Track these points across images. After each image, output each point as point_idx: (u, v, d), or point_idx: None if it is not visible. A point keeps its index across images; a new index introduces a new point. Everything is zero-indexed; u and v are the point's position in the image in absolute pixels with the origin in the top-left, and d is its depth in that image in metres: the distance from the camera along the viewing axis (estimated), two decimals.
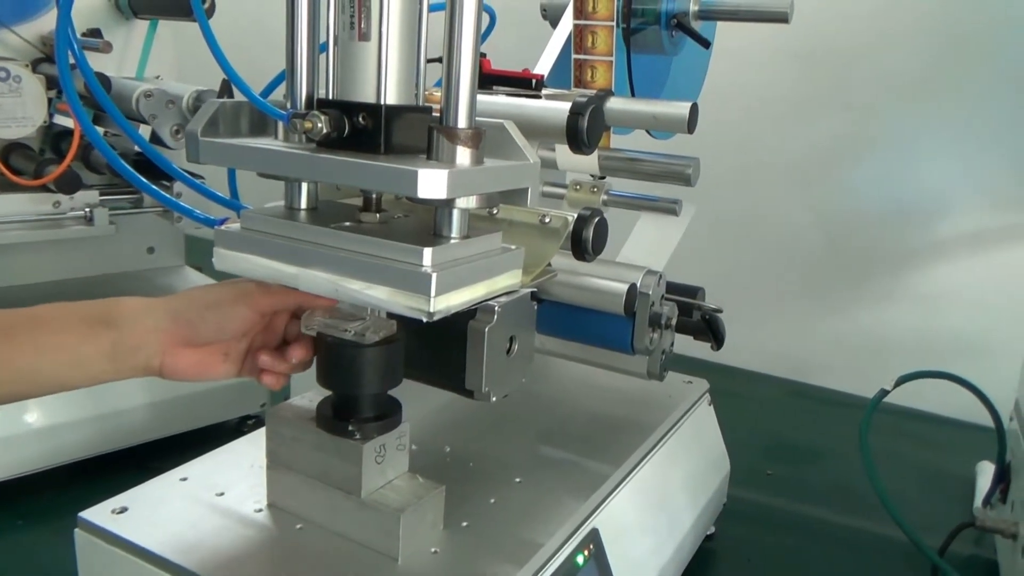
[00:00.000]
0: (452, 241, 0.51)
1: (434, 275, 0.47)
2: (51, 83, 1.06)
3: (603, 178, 0.95)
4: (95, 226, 1.12)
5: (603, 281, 0.77)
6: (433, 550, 0.62)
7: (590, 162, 0.89)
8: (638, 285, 0.78)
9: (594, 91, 0.89)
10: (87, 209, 1.12)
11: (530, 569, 0.62)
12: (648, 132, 0.92)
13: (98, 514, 0.64)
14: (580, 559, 0.67)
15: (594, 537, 0.70)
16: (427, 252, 0.48)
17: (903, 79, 1.41)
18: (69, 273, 1.22)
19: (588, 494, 0.72)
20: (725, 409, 1.02)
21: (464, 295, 0.51)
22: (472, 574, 0.60)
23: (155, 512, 0.65)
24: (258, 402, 1.17)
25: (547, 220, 0.63)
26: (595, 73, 0.92)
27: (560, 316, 0.81)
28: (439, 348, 0.63)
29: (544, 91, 0.83)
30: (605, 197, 0.94)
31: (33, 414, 0.97)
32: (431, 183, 0.46)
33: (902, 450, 1.25)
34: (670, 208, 0.93)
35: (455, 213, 0.51)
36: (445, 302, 0.49)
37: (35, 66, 1.06)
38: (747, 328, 1.13)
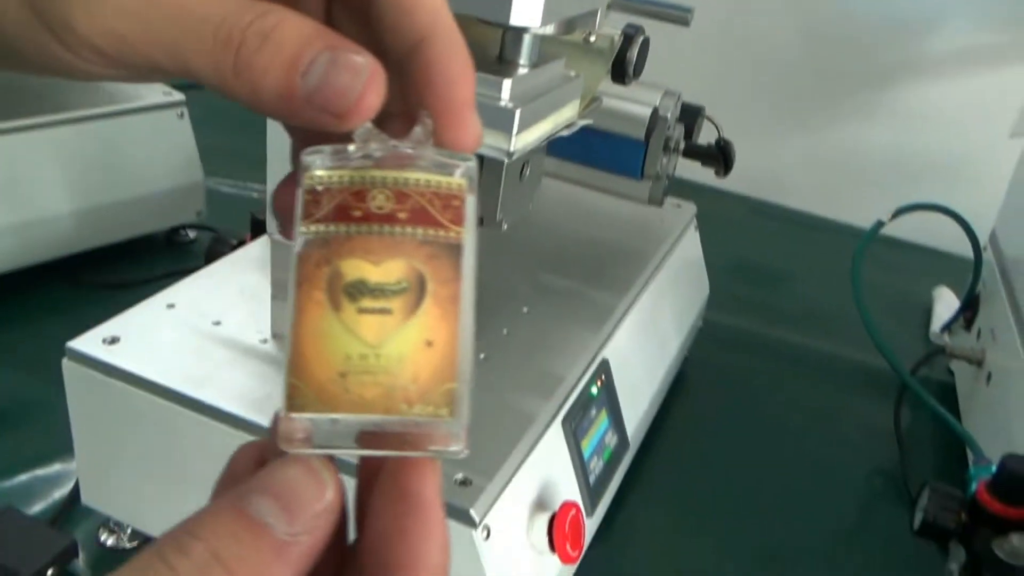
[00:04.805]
0: (522, 70, 0.52)
1: (517, 111, 0.48)
2: None
3: None
4: None
5: (625, 104, 0.79)
6: None
7: None
8: (658, 107, 0.81)
9: None
10: None
11: (555, 401, 0.68)
12: None
13: (89, 344, 0.65)
14: (594, 390, 0.75)
15: (605, 367, 0.77)
16: (506, 84, 0.49)
17: None
18: None
19: (598, 325, 0.78)
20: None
21: (535, 132, 0.52)
22: (501, 407, 0.66)
23: (151, 342, 0.66)
24: (193, 210, 1.16)
25: (592, 39, 0.64)
26: None
27: (568, 139, 0.83)
28: None
29: None
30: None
31: None
32: (525, 8, 0.46)
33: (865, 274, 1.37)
34: (681, 18, 0.93)
35: (527, 38, 0.51)
36: (523, 140, 0.50)
37: None
38: None
